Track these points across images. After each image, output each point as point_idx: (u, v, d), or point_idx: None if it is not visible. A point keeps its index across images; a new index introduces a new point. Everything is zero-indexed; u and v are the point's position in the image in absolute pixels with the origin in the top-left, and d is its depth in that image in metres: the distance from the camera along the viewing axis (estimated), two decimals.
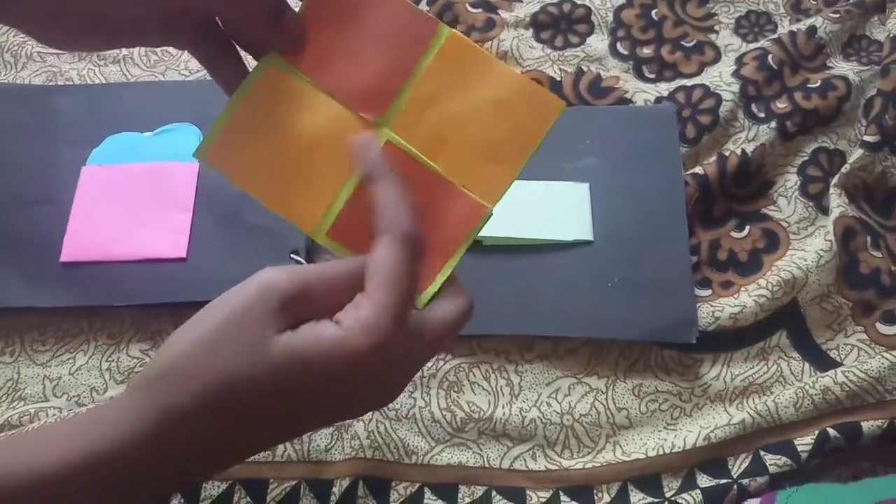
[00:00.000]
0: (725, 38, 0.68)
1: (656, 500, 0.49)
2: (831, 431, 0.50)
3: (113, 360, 0.55)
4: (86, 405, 0.53)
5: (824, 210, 0.59)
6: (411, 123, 0.38)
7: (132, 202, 0.59)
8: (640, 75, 0.66)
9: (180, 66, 0.67)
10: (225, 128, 0.38)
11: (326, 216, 0.38)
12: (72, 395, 0.54)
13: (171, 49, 0.68)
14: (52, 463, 0.30)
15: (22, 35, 0.69)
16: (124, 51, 0.68)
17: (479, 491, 0.50)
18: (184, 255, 0.56)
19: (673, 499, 0.48)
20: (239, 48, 0.41)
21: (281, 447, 0.51)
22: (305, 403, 0.33)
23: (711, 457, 0.50)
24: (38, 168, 0.61)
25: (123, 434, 0.31)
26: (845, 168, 0.59)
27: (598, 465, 0.51)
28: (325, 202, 0.38)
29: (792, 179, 0.60)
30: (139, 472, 0.31)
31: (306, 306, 0.33)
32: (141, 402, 0.31)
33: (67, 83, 0.66)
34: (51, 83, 0.66)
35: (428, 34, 0.38)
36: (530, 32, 0.68)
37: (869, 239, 0.57)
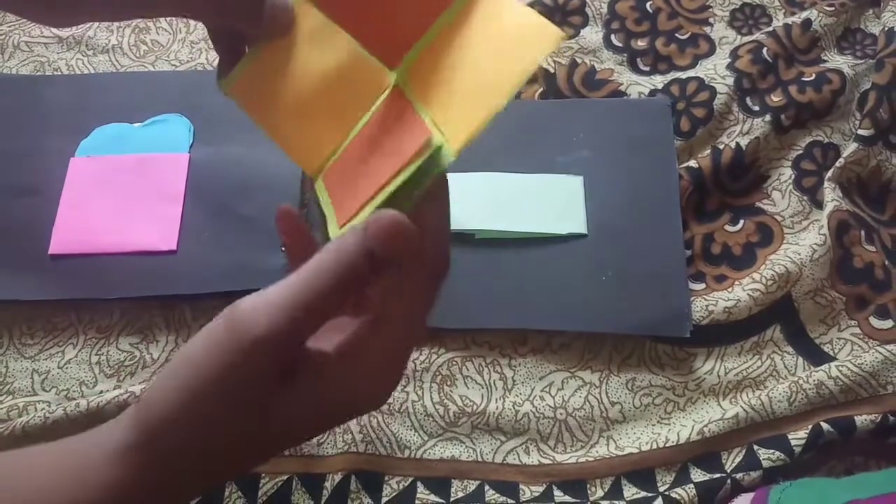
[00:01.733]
0: (720, 31, 0.67)
1: (650, 495, 0.49)
2: (825, 426, 0.49)
3: (102, 354, 0.54)
4: (75, 399, 0.52)
5: (818, 204, 0.59)
6: (423, 72, 0.34)
7: (121, 194, 0.58)
8: (635, 68, 0.66)
9: (170, 56, 0.66)
10: (250, 62, 0.39)
11: (331, 159, 0.36)
12: (61, 388, 0.53)
13: (161, 39, 0.67)
14: None
15: (9, 24, 0.68)
16: (113, 41, 0.67)
17: (472, 485, 0.50)
18: (174, 247, 0.56)
19: (666, 493, 0.48)
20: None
21: None
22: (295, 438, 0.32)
23: (705, 451, 0.50)
24: (26, 159, 0.60)
25: (107, 485, 0.29)
26: (839, 162, 0.59)
27: (592, 459, 0.51)
28: (332, 145, 0.36)
29: (786, 173, 0.60)
30: None
31: (295, 341, 0.30)
32: (126, 471, 0.29)
33: (56, 73, 0.66)
34: (39, 73, 0.66)
35: None
36: None
37: (863, 233, 0.57)
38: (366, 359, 0.30)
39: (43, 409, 0.52)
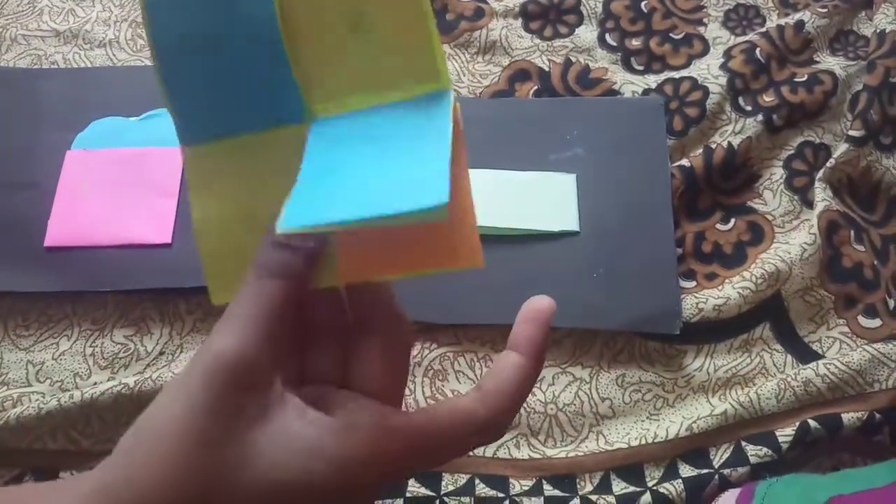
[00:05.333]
0: (714, 31, 0.68)
1: (638, 490, 0.49)
2: (812, 423, 0.50)
3: (97, 346, 0.55)
4: (69, 390, 0.52)
5: (809, 204, 0.59)
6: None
7: (117, 187, 0.58)
8: (629, 67, 0.66)
9: None
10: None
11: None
12: (55, 380, 0.54)
13: None
14: None
15: (6, 17, 0.68)
16: (110, 35, 0.67)
17: (463, 478, 0.50)
18: (169, 240, 0.56)
19: (655, 488, 0.49)
20: None
21: None
22: None
23: (693, 447, 0.51)
24: (23, 152, 0.60)
25: None
26: (830, 162, 0.59)
27: (581, 454, 0.51)
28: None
29: (777, 173, 0.61)
30: None
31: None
32: None
33: (52, 66, 0.66)
34: (35, 66, 0.66)
35: None
36: (519, 22, 0.68)
37: (852, 233, 0.57)
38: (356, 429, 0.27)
39: (37, 400, 0.52)
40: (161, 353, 0.54)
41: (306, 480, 0.25)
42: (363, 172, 0.25)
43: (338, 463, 0.25)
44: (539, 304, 0.30)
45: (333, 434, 0.26)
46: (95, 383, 0.53)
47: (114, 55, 0.67)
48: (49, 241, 0.56)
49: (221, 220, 0.30)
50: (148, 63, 0.66)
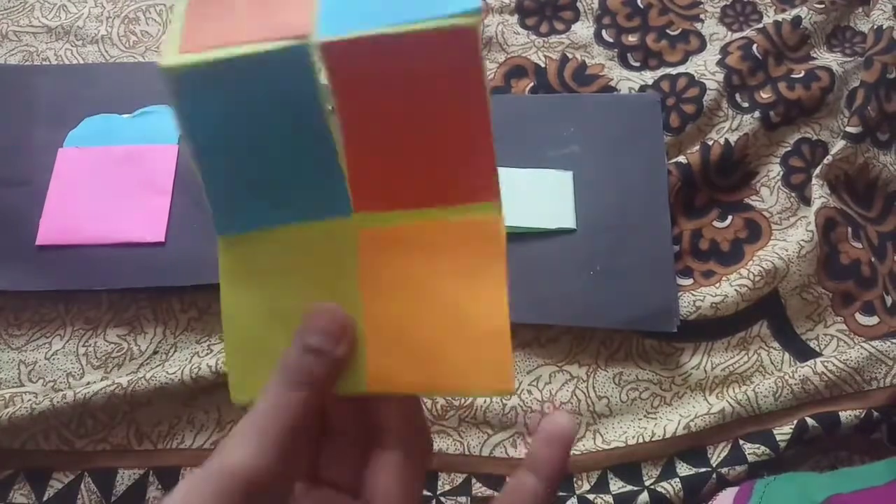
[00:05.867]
0: (710, 27, 0.68)
1: (635, 489, 0.49)
2: (810, 421, 0.50)
3: (90, 345, 0.54)
4: (62, 390, 0.52)
5: (806, 201, 0.59)
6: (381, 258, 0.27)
7: (110, 185, 0.58)
8: (625, 63, 0.66)
9: (160, 47, 0.66)
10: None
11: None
12: (48, 379, 0.53)
13: (150, 30, 0.67)
14: None
15: None
16: (103, 31, 0.67)
17: (459, 478, 0.50)
18: (162, 239, 0.56)
19: (652, 487, 0.49)
20: None
21: None
22: None
23: (691, 445, 0.50)
24: (14, 149, 0.60)
25: None
26: (827, 159, 0.59)
27: (578, 452, 0.51)
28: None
29: (775, 170, 0.60)
30: None
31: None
32: None
33: (45, 63, 0.65)
34: (27, 63, 0.65)
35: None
36: (515, 18, 0.68)
37: (850, 230, 0.57)
38: None
39: (29, 400, 0.51)
40: (155, 353, 0.54)
41: None
42: None
43: None
44: (563, 427, 0.28)
45: None
46: (88, 383, 0.53)
47: (106, 52, 0.66)
48: (41, 239, 0.56)
49: (251, 314, 0.28)
50: (141, 59, 0.65)
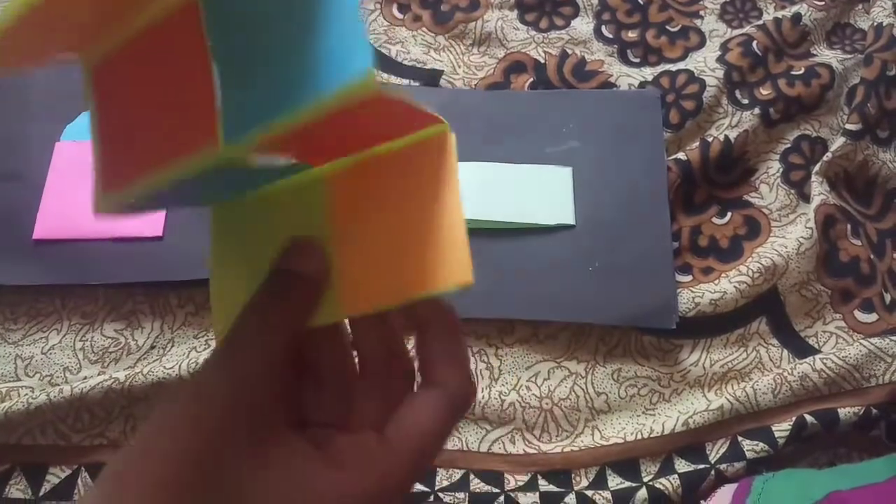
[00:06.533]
0: (710, 24, 0.67)
1: (634, 485, 0.49)
2: (808, 418, 0.50)
3: (87, 340, 0.54)
4: (58, 385, 0.52)
5: (805, 197, 0.59)
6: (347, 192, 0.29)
7: None
8: (625, 59, 0.66)
9: None
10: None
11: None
12: (44, 374, 0.53)
13: None
14: None
15: None
16: None
17: (457, 474, 0.50)
18: (160, 233, 0.55)
19: (651, 483, 0.49)
20: None
21: None
22: None
23: (689, 442, 0.50)
24: (11, 143, 0.59)
25: None
26: (827, 156, 0.59)
27: (577, 449, 0.51)
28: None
29: (774, 166, 0.60)
30: None
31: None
32: None
33: None
34: None
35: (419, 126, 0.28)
36: (515, 14, 0.68)
37: (849, 227, 0.57)
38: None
39: (26, 394, 0.51)
40: (152, 347, 0.54)
41: None
42: (277, 57, 0.23)
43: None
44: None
45: (339, 475, 0.25)
46: (85, 378, 0.52)
47: None
48: (38, 233, 0.56)
49: (233, 265, 0.29)
50: None
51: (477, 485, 0.49)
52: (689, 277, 0.56)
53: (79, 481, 0.50)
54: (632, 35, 0.67)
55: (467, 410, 0.29)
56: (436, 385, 0.28)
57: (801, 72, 0.63)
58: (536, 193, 0.57)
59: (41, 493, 0.49)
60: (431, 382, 0.28)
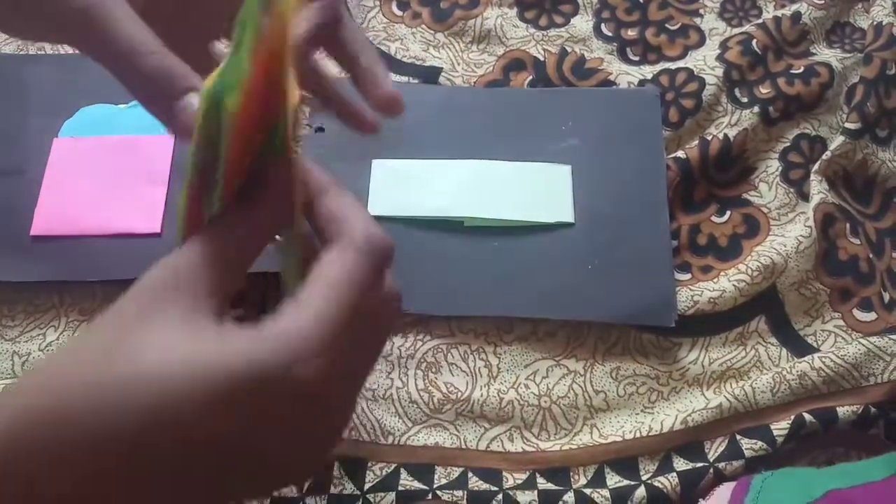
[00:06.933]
0: (710, 22, 0.67)
1: (632, 483, 0.49)
2: (807, 416, 0.50)
3: None
4: None
5: (805, 196, 0.59)
6: None
7: (105, 175, 0.57)
8: (624, 57, 0.66)
9: None
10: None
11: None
12: None
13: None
14: None
15: None
16: None
17: (456, 472, 0.50)
18: (158, 229, 0.55)
19: (649, 482, 0.48)
20: None
21: None
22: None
23: (688, 440, 0.50)
24: (9, 139, 0.59)
25: None
26: (826, 155, 0.59)
27: (575, 447, 0.51)
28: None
29: (773, 165, 0.60)
30: None
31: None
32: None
33: (40, 52, 0.65)
34: (22, 52, 0.65)
35: None
36: (514, 11, 0.68)
37: (848, 226, 0.57)
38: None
39: None
40: None
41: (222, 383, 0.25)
42: None
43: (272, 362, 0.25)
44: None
45: (241, 335, 0.26)
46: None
47: None
48: (36, 229, 0.55)
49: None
50: None
51: (475, 483, 0.49)
52: (688, 276, 0.56)
53: None
54: (631, 33, 0.67)
55: (383, 255, 0.29)
56: (337, 240, 0.28)
57: (800, 70, 0.63)
58: (535, 191, 0.57)
59: None
60: (330, 240, 0.29)
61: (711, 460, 0.49)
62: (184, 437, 0.25)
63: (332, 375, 0.26)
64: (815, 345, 0.54)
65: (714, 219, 0.58)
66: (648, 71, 0.64)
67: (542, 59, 0.65)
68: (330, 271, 0.27)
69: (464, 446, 0.51)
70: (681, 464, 0.50)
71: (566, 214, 0.56)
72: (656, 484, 0.48)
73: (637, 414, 0.52)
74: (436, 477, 0.50)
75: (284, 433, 0.27)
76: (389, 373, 0.53)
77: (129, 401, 0.25)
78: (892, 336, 0.53)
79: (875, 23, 0.64)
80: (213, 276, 0.28)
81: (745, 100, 0.62)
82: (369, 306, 0.29)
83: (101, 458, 0.25)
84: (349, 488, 0.49)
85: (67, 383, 0.25)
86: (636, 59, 0.66)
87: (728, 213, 0.59)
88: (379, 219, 0.56)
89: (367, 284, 0.28)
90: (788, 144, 0.61)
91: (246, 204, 0.30)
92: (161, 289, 0.28)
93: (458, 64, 0.65)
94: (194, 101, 0.34)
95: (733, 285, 0.54)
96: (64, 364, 0.27)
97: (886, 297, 0.55)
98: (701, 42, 0.66)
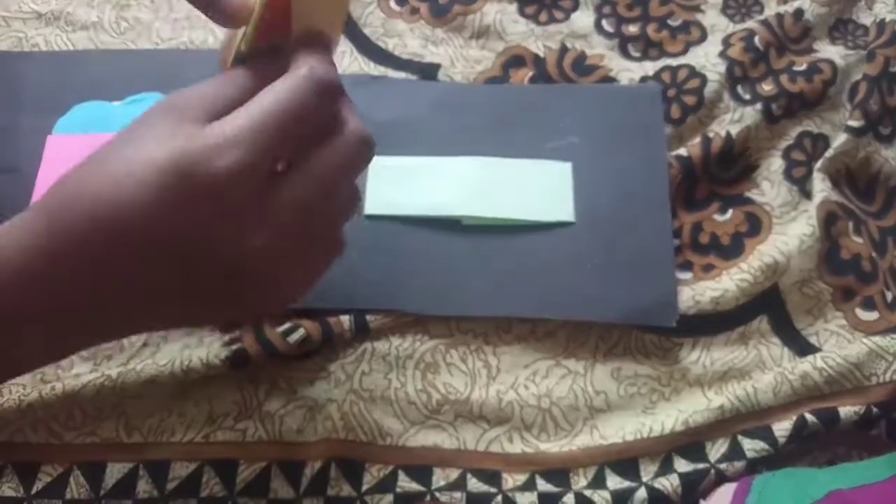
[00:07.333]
0: (712, 18, 0.67)
1: (633, 485, 0.48)
2: (809, 416, 0.49)
3: None
4: (50, 382, 0.51)
5: (807, 194, 0.58)
6: None
7: None
8: (626, 54, 0.65)
9: (152, 34, 0.65)
10: None
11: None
12: (36, 371, 0.52)
13: (142, 17, 0.66)
14: None
15: None
16: (93, 17, 0.65)
17: (454, 473, 0.49)
18: None
19: (650, 483, 0.48)
20: None
21: (251, 427, 0.50)
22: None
23: (689, 441, 0.50)
24: (2, 136, 0.59)
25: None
26: (829, 153, 0.58)
27: (575, 448, 0.50)
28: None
29: (776, 163, 0.60)
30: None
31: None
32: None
33: (34, 49, 0.64)
34: (16, 49, 0.64)
35: None
36: (514, 7, 0.67)
37: (851, 224, 0.56)
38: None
39: (18, 391, 0.51)
40: (145, 345, 0.53)
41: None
42: None
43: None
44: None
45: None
46: (77, 375, 0.52)
47: (97, 38, 0.65)
48: None
49: None
50: (132, 46, 0.64)
51: (474, 484, 0.49)
52: (690, 275, 0.56)
53: (71, 479, 0.49)
54: (632, 29, 0.66)
55: (323, 83, 0.34)
56: (291, 70, 0.34)
57: (803, 67, 0.62)
58: (535, 189, 0.57)
59: (33, 492, 0.49)
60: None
61: (713, 461, 0.49)
62: (141, 226, 0.31)
63: (257, 173, 0.32)
64: (817, 344, 0.54)
65: (716, 217, 0.58)
66: (650, 67, 0.63)
67: (542, 55, 0.64)
68: (270, 89, 0.33)
69: (463, 447, 0.50)
70: (682, 465, 0.49)
71: (566, 213, 0.56)
72: (657, 485, 0.48)
73: (638, 415, 0.51)
74: (434, 478, 0.49)
75: (224, 227, 0.32)
76: (387, 373, 0.52)
77: (102, 195, 0.31)
78: (894, 335, 0.52)
79: (878, 19, 0.64)
80: (204, 103, 0.35)
81: (747, 97, 0.61)
82: (320, 127, 0.35)
83: (88, 245, 0.32)
84: (346, 490, 0.48)
85: (72, 179, 0.34)
86: (637, 55, 0.65)
87: (730, 211, 0.58)
88: (376, 217, 0.55)
89: (307, 104, 0.33)
90: (791, 142, 0.61)
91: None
92: (158, 108, 0.35)
93: (458, 60, 0.64)
94: None
95: (735, 284, 0.54)
96: (81, 167, 0.34)
97: (889, 296, 0.55)
98: (703, 38, 0.66)
